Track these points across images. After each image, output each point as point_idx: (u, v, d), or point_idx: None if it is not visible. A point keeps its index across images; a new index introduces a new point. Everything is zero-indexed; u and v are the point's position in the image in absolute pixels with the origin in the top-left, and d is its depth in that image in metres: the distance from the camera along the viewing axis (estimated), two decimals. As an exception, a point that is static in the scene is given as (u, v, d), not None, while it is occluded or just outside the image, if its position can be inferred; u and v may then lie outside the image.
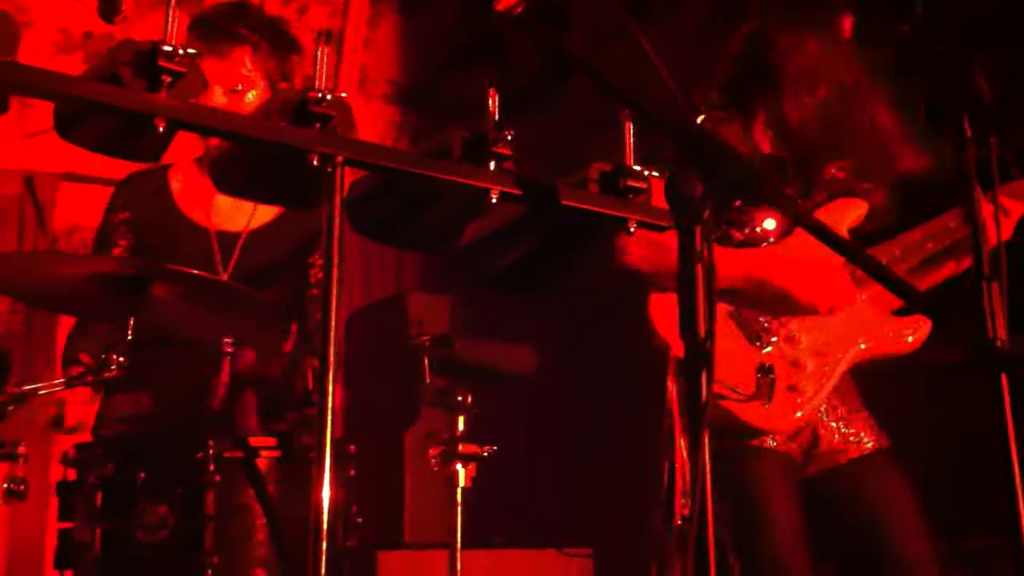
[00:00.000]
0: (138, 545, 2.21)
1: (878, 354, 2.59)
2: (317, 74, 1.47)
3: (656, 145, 1.65)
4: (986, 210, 2.44)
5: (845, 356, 2.54)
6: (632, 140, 1.62)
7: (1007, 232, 2.54)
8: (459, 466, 2.64)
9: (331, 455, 1.39)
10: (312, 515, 1.38)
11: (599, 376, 5.37)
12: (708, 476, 1.37)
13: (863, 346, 2.56)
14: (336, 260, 1.43)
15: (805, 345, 2.51)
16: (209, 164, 2.55)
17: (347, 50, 5.69)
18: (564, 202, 1.59)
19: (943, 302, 2.52)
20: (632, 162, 1.62)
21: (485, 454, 2.68)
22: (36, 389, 2.27)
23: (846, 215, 2.59)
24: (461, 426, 2.69)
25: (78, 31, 5.13)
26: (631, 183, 1.61)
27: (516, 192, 1.55)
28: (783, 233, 2.56)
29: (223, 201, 2.86)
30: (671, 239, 2.43)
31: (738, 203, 2.55)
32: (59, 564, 2.31)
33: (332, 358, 1.40)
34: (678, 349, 2.44)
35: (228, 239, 2.84)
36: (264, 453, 2.30)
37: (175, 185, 2.91)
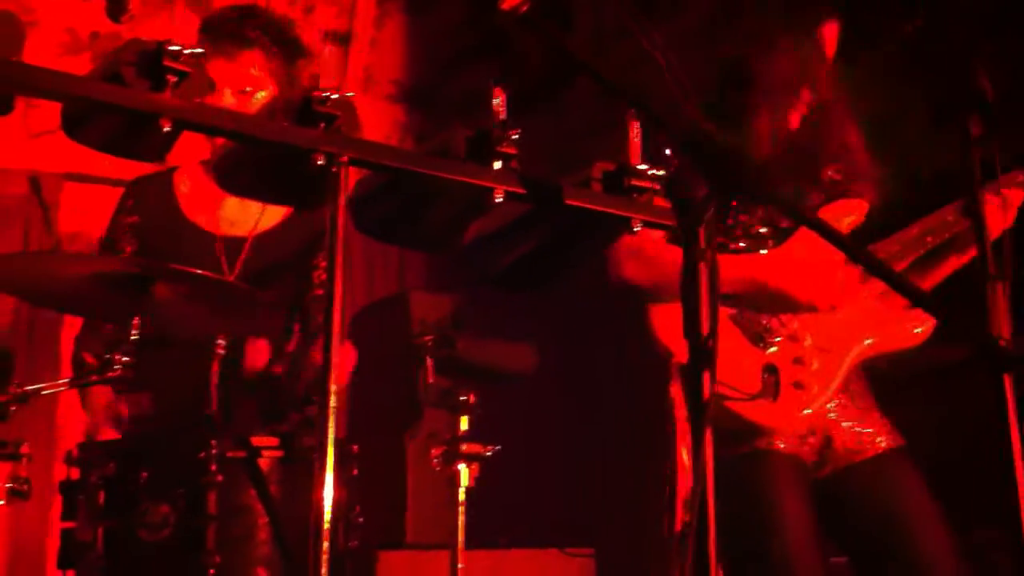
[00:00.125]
0: (141, 544, 2.21)
1: (885, 349, 2.58)
2: (322, 73, 1.47)
3: (656, 145, 1.65)
4: (988, 203, 2.45)
5: (851, 352, 2.53)
6: (637, 139, 1.62)
7: (1009, 220, 2.55)
8: (462, 466, 2.64)
9: (334, 455, 1.39)
10: (314, 515, 1.37)
11: (601, 376, 5.37)
12: (710, 474, 1.37)
13: (869, 342, 2.56)
14: (340, 260, 1.43)
15: (809, 343, 2.51)
16: (214, 165, 2.56)
17: (353, 50, 5.69)
18: (568, 201, 1.59)
19: (946, 300, 2.53)
20: (637, 161, 1.62)
21: (488, 454, 2.68)
22: (39, 389, 2.27)
23: (845, 216, 2.59)
24: (464, 426, 2.69)
25: (85, 31, 5.14)
26: (635, 182, 1.61)
27: (520, 191, 1.54)
28: (781, 238, 2.57)
29: (229, 206, 2.86)
30: (665, 253, 2.46)
31: (738, 204, 2.56)
32: (62, 563, 2.31)
33: (335, 357, 1.40)
34: (681, 356, 2.45)
35: (234, 244, 2.85)
36: (266, 453, 2.30)
37: (181, 189, 2.91)
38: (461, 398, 2.69)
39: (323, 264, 2.83)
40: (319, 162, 1.43)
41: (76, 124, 1.35)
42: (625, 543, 4.64)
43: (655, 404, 2.45)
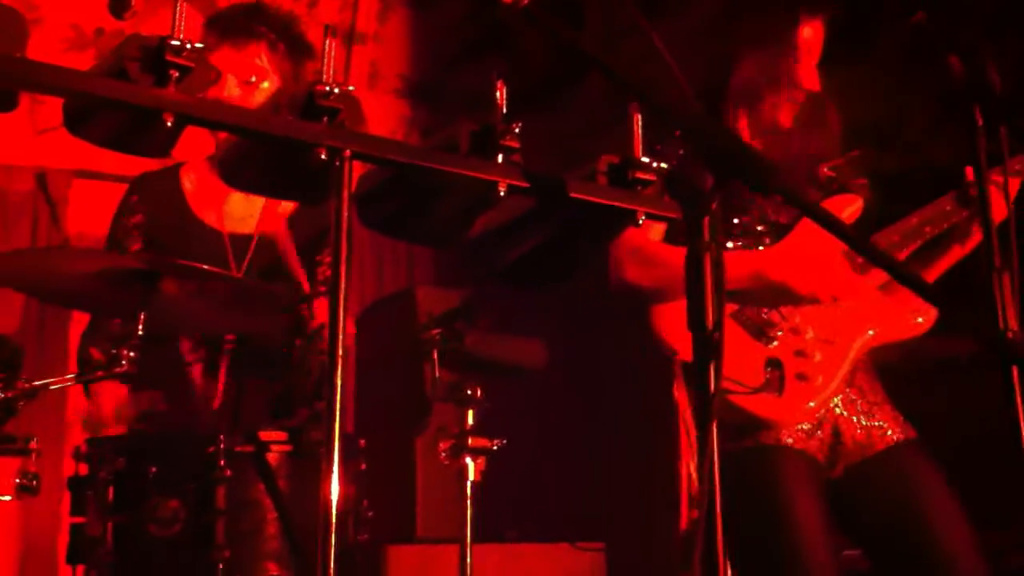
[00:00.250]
0: (150, 539, 2.21)
1: (888, 340, 2.58)
2: (325, 68, 1.47)
3: (648, 140, 1.65)
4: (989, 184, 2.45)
5: (854, 344, 2.53)
6: (641, 132, 1.62)
7: (1001, 209, 2.54)
8: (468, 460, 2.64)
9: (341, 450, 1.39)
10: (322, 509, 1.38)
11: (608, 373, 5.36)
12: (717, 468, 1.37)
13: (872, 332, 2.56)
14: (344, 254, 1.43)
15: (811, 335, 2.51)
16: (219, 160, 2.57)
17: (356, 45, 5.69)
18: (572, 195, 1.58)
19: (951, 291, 2.53)
20: (641, 154, 1.61)
21: (495, 448, 2.68)
22: (47, 385, 2.27)
23: (842, 211, 2.59)
24: (471, 420, 2.68)
25: (90, 27, 5.15)
26: (640, 175, 1.60)
27: (524, 185, 1.54)
28: (778, 235, 2.57)
29: (234, 203, 2.87)
30: (665, 254, 2.46)
31: (736, 203, 2.56)
32: (71, 558, 2.32)
33: (341, 351, 1.40)
34: (685, 354, 2.45)
35: (241, 241, 2.85)
36: (275, 448, 2.31)
37: (187, 185, 2.91)
38: (468, 392, 2.68)
39: (327, 260, 2.85)
40: (322, 157, 1.43)
41: (79, 120, 1.35)
42: (636, 538, 4.64)
43: (660, 403, 2.45)
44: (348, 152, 1.44)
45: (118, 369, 2.25)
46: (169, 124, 1.33)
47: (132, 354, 2.26)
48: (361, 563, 2.41)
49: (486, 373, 2.95)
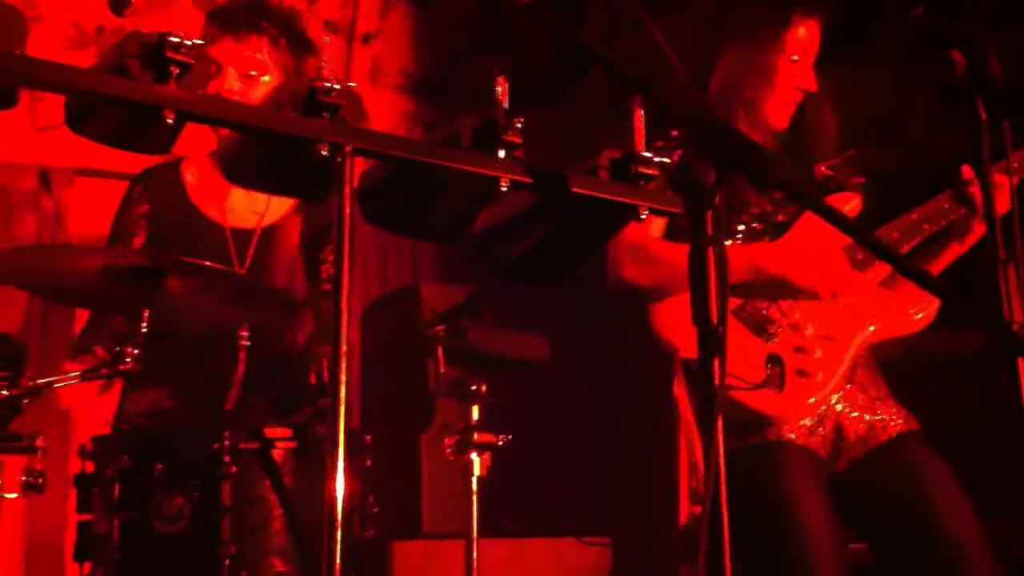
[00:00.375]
0: (156, 536, 2.22)
1: (888, 336, 2.58)
2: (326, 64, 1.47)
3: (650, 136, 1.64)
4: (977, 187, 2.46)
5: (854, 340, 2.53)
6: (643, 127, 1.61)
7: (1004, 205, 2.54)
8: (474, 455, 2.64)
9: (346, 446, 1.39)
10: (327, 505, 1.38)
11: (609, 369, 5.36)
12: (722, 463, 1.37)
13: (872, 328, 2.56)
14: (347, 251, 1.42)
15: (811, 332, 2.51)
16: (220, 157, 2.56)
17: (357, 40, 5.68)
18: (574, 189, 1.58)
19: (955, 284, 2.53)
20: (642, 149, 1.61)
21: (500, 443, 2.68)
22: (52, 382, 2.28)
23: (840, 210, 2.58)
24: (476, 415, 2.69)
25: (91, 25, 5.14)
26: (642, 170, 1.60)
27: (526, 180, 1.54)
28: (777, 233, 2.57)
29: (237, 198, 2.87)
30: (665, 252, 2.46)
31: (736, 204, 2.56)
32: (78, 556, 2.32)
33: (344, 348, 1.40)
34: (686, 351, 2.45)
35: (243, 236, 2.85)
36: (280, 444, 2.31)
37: (189, 180, 2.91)
38: (472, 388, 2.68)
39: (330, 258, 2.85)
40: (323, 153, 1.43)
41: (79, 117, 1.34)
42: (641, 532, 4.63)
43: (663, 399, 2.45)
44: (349, 148, 1.44)
45: (122, 367, 2.25)
46: (170, 121, 1.33)
47: (136, 351, 2.26)
48: (367, 559, 2.41)
49: (490, 368, 2.95)
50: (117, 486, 2.27)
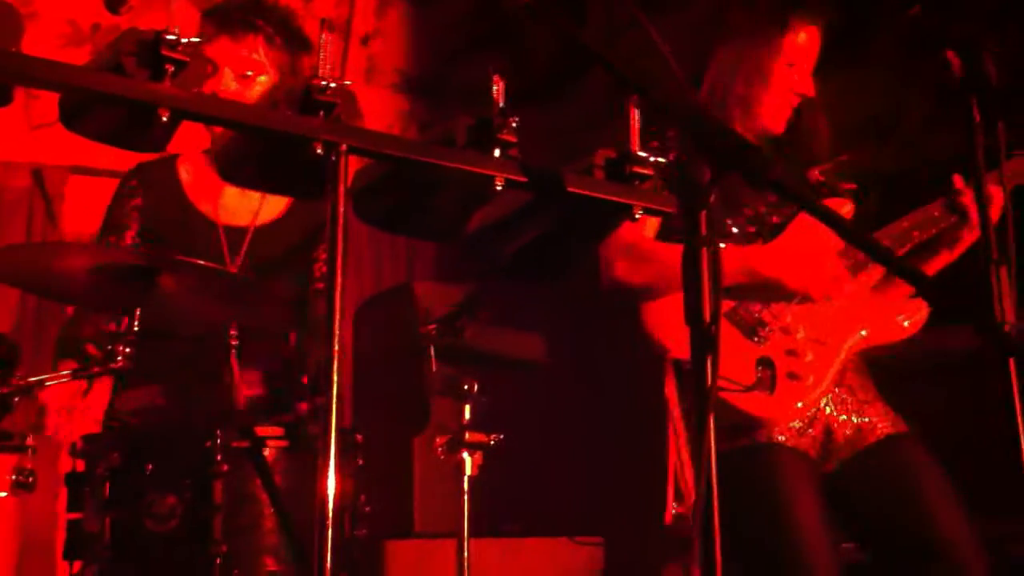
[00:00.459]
0: (147, 535, 2.21)
1: (878, 342, 2.59)
2: (321, 62, 1.46)
3: (646, 137, 1.64)
4: (969, 197, 2.48)
5: (844, 344, 2.54)
6: (638, 127, 1.61)
7: (994, 217, 2.55)
8: (465, 455, 2.64)
9: (338, 444, 1.39)
10: (319, 504, 1.37)
11: (608, 365, 5.36)
12: (713, 462, 1.37)
13: (863, 333, 2.57)
14: (340, 248, 1.42)
15: (802, 335, 2.52)
16: (215, 155, 2.56)
17: (353, 39, 5.68)
18: (569, 189, 1.58)
19: (950, 285, 2.53)
20: (638, 149, 1.61)
21: (492, 443, 2.68)
22: (43, 381, 2.27)
23: None
24: (467, 415, 2.68)
25: (86, 23, 5.13)
26: (637, 169, 1.60)
27: (521, 179, 1.54)
28: (770, 235, 2.58)
29: (230, 195, 2.86)
30: (658, 252, 2.46)
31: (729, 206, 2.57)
32: (68, 555, 2.32)
33: (337, 347, 1.40)
34: (677, 352, 2.45)
35: (236, 234, 2.84)
36: (271, 443, 2.31)
37: (184, 176, 2.91)
38: (465, 387, 2.68)
39: (323, 256, 2.84)
40: (318, 151, 1.43)
41: (74, 115, 1.34)
42: (634, 532, 4.63)
43: (655, 399, 2.45)
44: (344, 147, 1.44)
45: (114, 365, 2.25)
46: (165, 119, 1.33)
47: (128, 350, 2.25)
48: (359, 558, 2.41)
49: (485, 367, 2.95)
50: (108, 485, 2.27)
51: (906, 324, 2.61)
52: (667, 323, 2.45)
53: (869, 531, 2.49)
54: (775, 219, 2.59)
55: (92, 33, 5.11)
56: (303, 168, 1.49)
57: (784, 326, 2.52)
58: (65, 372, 2.32)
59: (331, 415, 1.38)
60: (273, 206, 2.89)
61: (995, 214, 2.52)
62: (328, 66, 1.46)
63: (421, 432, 4.14)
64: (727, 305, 2.49)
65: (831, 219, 1.50)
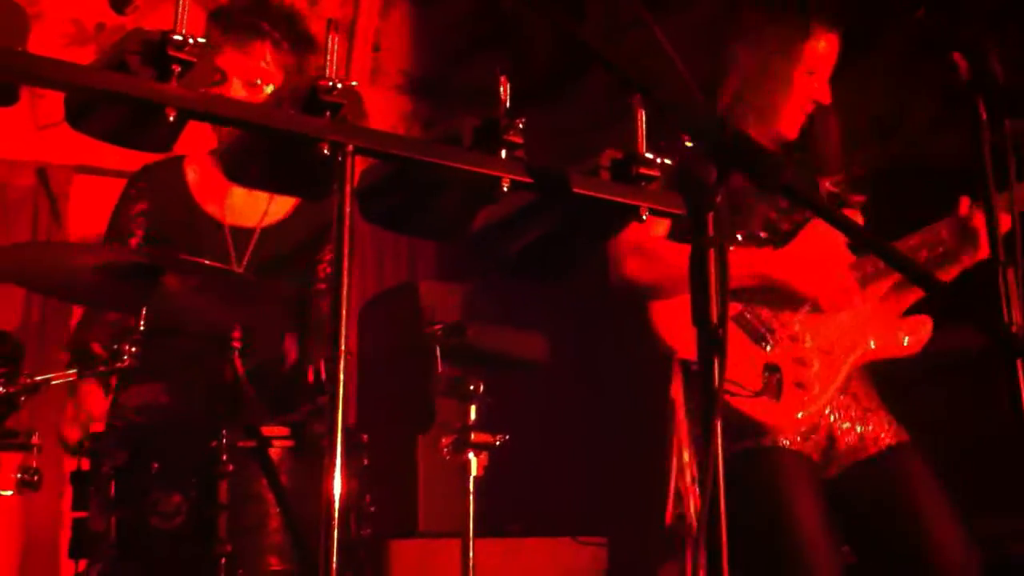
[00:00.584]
0: (153, 534, 2.21)
1: (881, 356, 2.59)
2: (327, 63, 1.46)
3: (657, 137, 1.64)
4: (977, 220, 2.49)
5: (851, 355, 2.54)
6: (644, 127, 1.61)
7: (984, 250, 2.57)
8: (471, 455, 2.64)
9: (344, 444, 1.39)
10: (324, 504, 1.37)
11: (607, 369, 5.36)
12: (720, 466, 1.36)
13: (872, 345, 2.57)
14: (347, 249, 1.42)
15: (810, 344, 2.52)
16: (221, 155, 2.56)
17: (358, 40, 5.68)
18: (575, 190, 1.58)
19: (956, 285, 2.54)
20: (644, 149, 1.61)
21: (497, 443, 2.68)
22: (49, 380, 2.27)
23: None
24: (473, 415, 2.68)
25: (91, 23, 5.14)
26: (643, 170, 1.60)
27: (527, 180, 1.54)
28: (782, 242, 2.57)
29: (237, 196, 2.86)
30: (666, 251, 2.46)
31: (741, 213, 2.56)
32: (74, 553, 2.32)
33: (343, 347, 1.40)
34: (684, 352, 2.45)
35: (242, 235, 2.85)
36: (277, 443, 2.31)
37: (190, 177, 2.91)
38: (470, 387, 2.68)
39: (328, 258, 2.85)
40: (325, 152, 1.42)
41: (80, 114, 1.34)
42: (637, 532, 4.63)
43: (659, 399, 2.45)
44: (351, 147, 1.44)
45: (120, 364, 2.25)
46: (171, 119, 1.33)
47: (134, 349, 2.25)
48: (363, 557, 2.41)
49: (488, 366, 2.95)
50: (113, 483, 2.27)
51: (906, 342, 2.61)
52: (675, 323, 2.44)
53: (863, 537, 2.50)
54: (786, 226, 2.59)
55: (96, 33, 5.11)
56: (307, 168, 1.49)
57: (792, 334, 2.51)
58: (71, 371, 2.32)
59: (337, 415, 1.38)
60: (280, 207, 2.89)
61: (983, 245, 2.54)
62: (334, 67, 1.46)
63: (425, 432, 4.14)
64: (735, 308, 2.49)
65: (842, 222, 1.50)
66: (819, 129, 2.65)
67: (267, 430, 2.31)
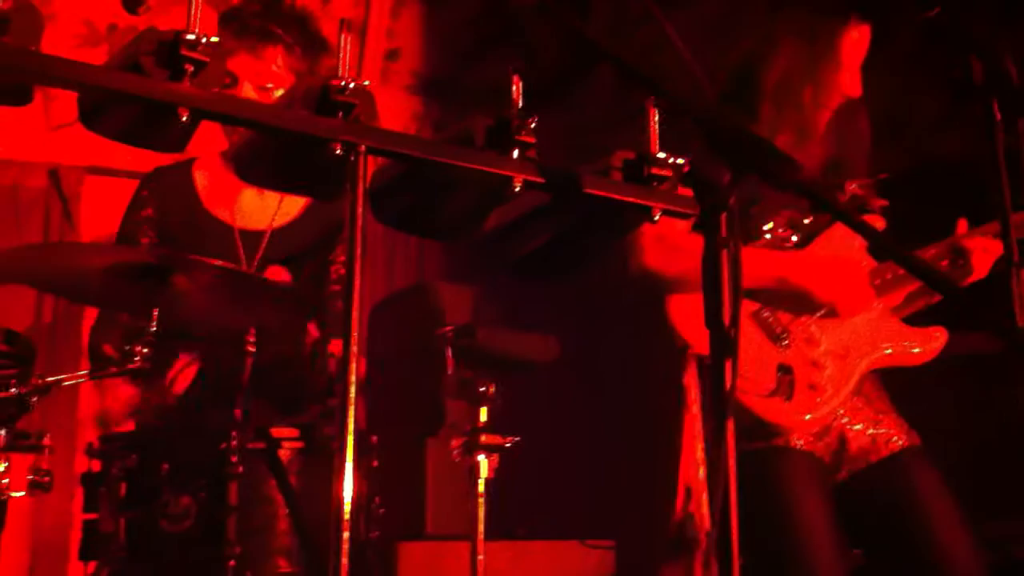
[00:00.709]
0: (162, 535, 2.22)
1: (893, 364, 2.58)
2: (340, 63, 1.46)
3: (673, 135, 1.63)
4: (977, 243, 2.48)
5: (864, 360, 2.52)
6: (656, 127, 1.60)
7: (983, 271, 2.56)
8: (481, 457, 2.63)
9: (354, 446, 1.38)
10: (333, 506, 1.37)
11: (618, 367, 5.35)
12: (732, 465, 1.36)
13: (888, 351, 2.56)
14: (359, 250, 1.42)
15: (825, 347, 2.51)
16: (232, 155, 2.56)
17: (370, 40, 5.68)
18: (587, 190, 1.57)
19: (968, 286, 2.54)
20: (656, 149, 1.60)
21: (508, 445, 2.67)
22: (60, 381, 2.27)
23: None
24: (484, 417, 2.67)
25: (103, 23, 5.14)
26: (655, 171, 1.59)
27: (539, 180, 1.53)
28: (807, 237, 2.56)
29: (247, 199, 2.86)
30: (689, 243, 2.44)
31: (760, 212, 2.55)
32: (84, 555, 2.32)
33: (355, 347, 1.39)
34: (699, 348, 2.44)
35: (252, 238, 2.85)
36: (287, 444, 2.31)
37: (200, 181, 2.91)
38: (481, 389, 2.67)
39: (341, 259, 2.85)
40: (337, 152, 1.42)
41: (93, 114, 1.34)
42: (645, 535, 4.62)
43: (667, 401, 2.44)
44: (363, 147, 1.43)
45: (131, 365, 2.25)
46: (184, 119, 1.32)
47: (145, 350, 2.25)
48: (372, 559, 2.40)
49: (498, 368, 2.94)
50: (124, 485, 2.27)
51: (916, 351, 2.60)
52: (691, 319, 2.42)
53: (871, 540, 2.50)
54: (808, 223, 2.57)
55: (108, 33, 5.12)
56: (320, 169, 1.49)
57: (808, 336, 2.50)
58: (82, 372, 2.32)
59: (348, 416, 1.38)
60: (290, 208, 2.89)
61: (986, 268, 2.54)
62: (347, 67, 1.46)
63: (435, 433, 4.13)
64: (752, 306, 2.48)
65: (858, 225, 1.50)
66: (848, 123, 2.63)
67: (277, 432, 2.31)
